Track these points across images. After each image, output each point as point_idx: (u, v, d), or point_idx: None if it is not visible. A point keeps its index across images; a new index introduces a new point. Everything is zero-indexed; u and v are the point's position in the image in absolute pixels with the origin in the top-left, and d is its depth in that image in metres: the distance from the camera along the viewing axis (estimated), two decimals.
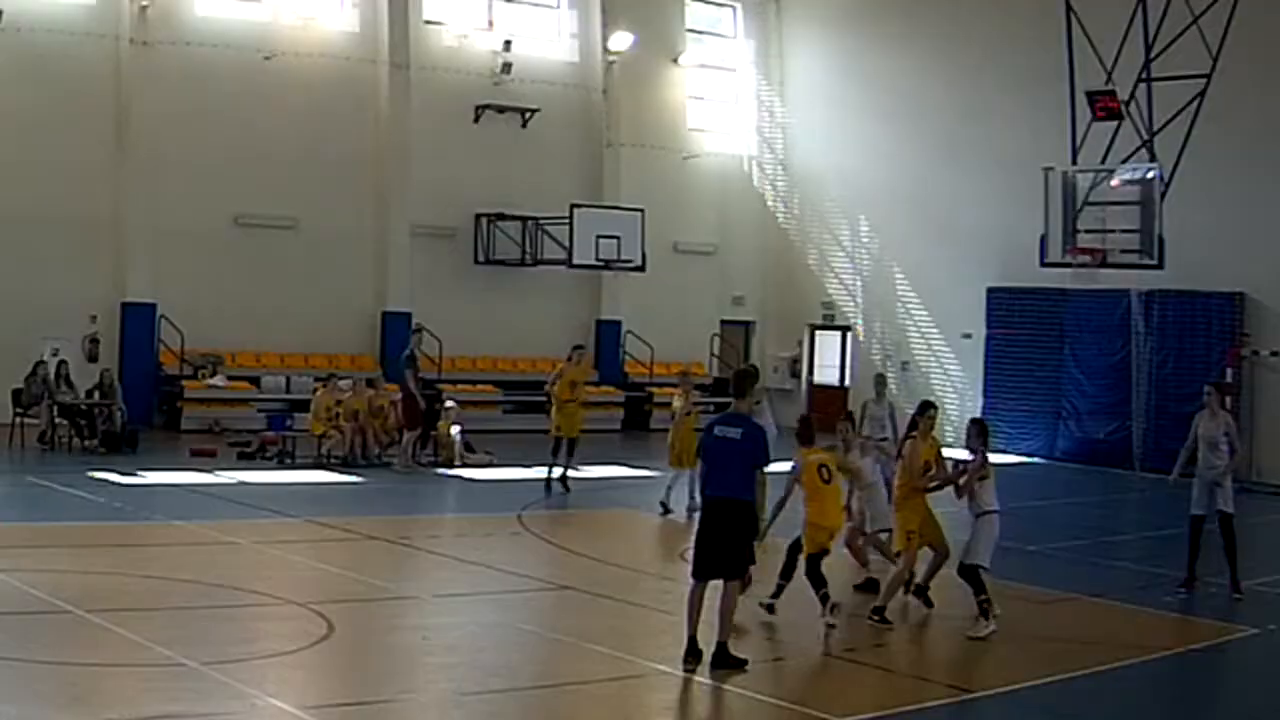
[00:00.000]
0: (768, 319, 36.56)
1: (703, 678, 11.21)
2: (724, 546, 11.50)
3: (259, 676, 10.60)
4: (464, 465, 24.42)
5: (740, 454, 11.56)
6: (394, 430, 24.55)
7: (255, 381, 28.90)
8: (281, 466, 23.67)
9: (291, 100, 29.65)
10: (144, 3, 28.18)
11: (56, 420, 24.49)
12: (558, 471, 21.79)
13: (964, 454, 14.11)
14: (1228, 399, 26.69)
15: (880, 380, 20.60)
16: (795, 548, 13.56)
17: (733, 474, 11.55)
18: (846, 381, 35.02)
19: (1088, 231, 26.17)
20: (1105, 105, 25.88)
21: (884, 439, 19.08)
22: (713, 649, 11.39)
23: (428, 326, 26.74)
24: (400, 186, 31.00)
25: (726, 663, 11.34)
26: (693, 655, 11.43)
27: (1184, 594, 15.65)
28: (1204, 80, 25.05)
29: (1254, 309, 27.68)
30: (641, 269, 31.42)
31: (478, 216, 31.96)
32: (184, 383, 28.25)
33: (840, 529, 13.98)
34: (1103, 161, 26.17)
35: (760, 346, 36.54)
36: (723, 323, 35.94)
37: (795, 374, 35.95)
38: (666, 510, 19.65)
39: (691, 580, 11.75)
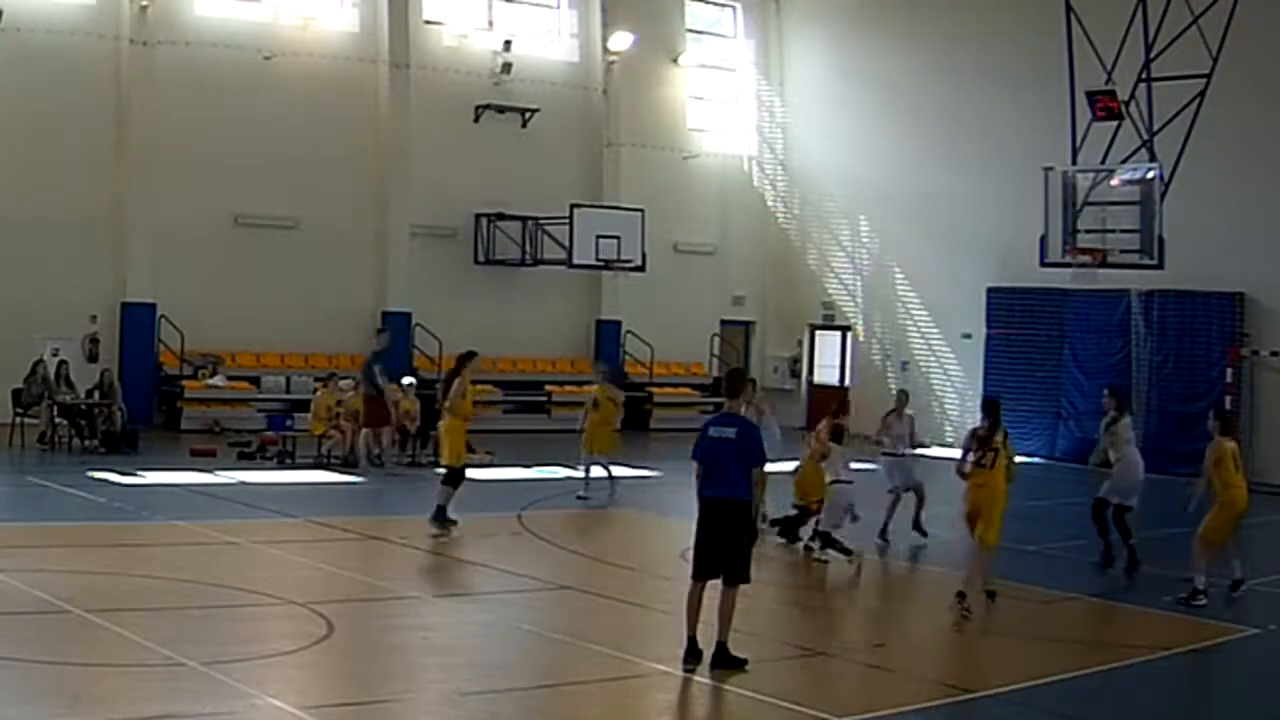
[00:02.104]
0: (768, 319, 36.56)
1: (703, 678, 11.20)
2: (723, 547, 11.50)
3: (259, 676, 10.59)
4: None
5: (737, 453, 11.55)
6: (394, 431, 24.51)
7: (255, 381, 28.91)
8: (281, 466, 23.68)
9: (291, 100, 29.65)
10: (144, 3, 28.20)
11: (56, 420, 24.49)
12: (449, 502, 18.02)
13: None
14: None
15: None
16: None
17: (730, 474, 11.53)
18: (846, 381, 35.00)
19: (1088, 231, 26.10)
20: (1105, 105, 25.83)
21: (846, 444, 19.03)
22: (713, 649, 11.39)
23: (428, 326, 26.66)
24: (400, 186, 31.00)
25: (726, 663, 11.33)
26: (693, 655, 11.43)
27: (1104, 572, 16.78)
28: (1204, 80, 25.01)
29: (1254, 309, 27.69)
30: (641, 269, 31.39)
31: (478, 216, 31.95)
32: (184, 383, 28.26)
33: None
34: (1103, 161, 26.12)
35: (760, 346, 36.56)
36: (723, 323, 35.92)
37: (795, 374, 35.96)
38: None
39: (691, 580, 11.75)
